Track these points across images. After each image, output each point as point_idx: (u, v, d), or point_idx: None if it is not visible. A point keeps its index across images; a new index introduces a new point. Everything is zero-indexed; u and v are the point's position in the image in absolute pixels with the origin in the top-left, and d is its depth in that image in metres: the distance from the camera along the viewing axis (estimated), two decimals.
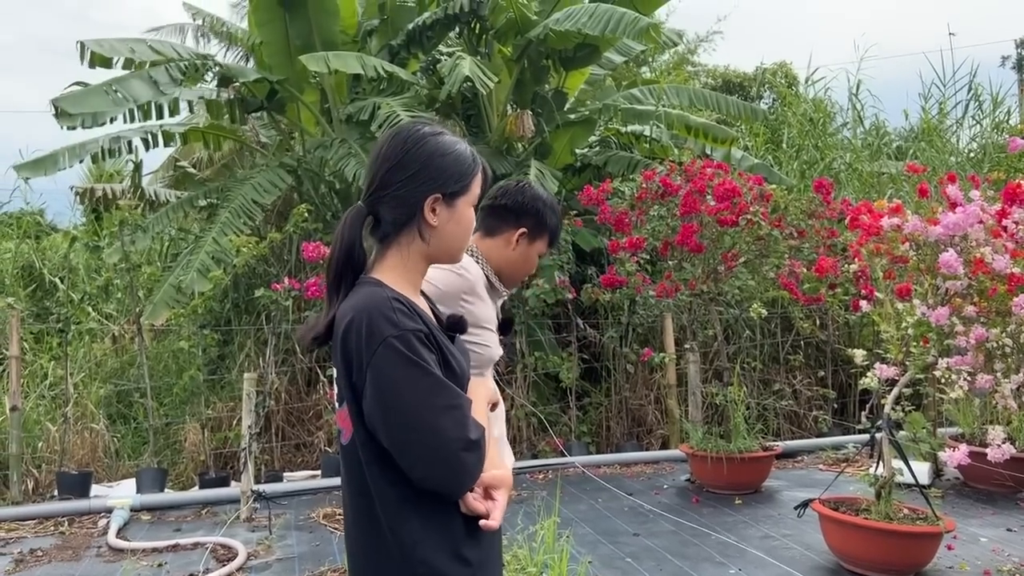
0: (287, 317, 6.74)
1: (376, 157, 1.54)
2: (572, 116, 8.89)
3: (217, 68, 7.79)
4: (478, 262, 2.26)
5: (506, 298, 2.38)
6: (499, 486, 1.48)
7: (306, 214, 6.93)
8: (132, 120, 7.60)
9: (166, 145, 8.60)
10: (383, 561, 1.44)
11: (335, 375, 1.56)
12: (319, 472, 6.41)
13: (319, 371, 7.09)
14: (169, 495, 5.86)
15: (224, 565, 4.34)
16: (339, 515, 5.24)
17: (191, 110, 8.92)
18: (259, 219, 7.81)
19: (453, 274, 2.08)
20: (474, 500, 1.43)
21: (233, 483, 6.02)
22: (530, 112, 7.84)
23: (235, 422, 6.65)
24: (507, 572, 3.83)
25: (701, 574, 4.20)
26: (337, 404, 1.50)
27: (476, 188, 1.58)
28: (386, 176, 1.51)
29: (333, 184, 8.42)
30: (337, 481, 6.01)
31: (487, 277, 2.25)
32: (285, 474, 6.42)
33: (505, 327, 2.28)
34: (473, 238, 2.31)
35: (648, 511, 5.39)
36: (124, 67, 7.60)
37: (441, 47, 9.08)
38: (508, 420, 7.08)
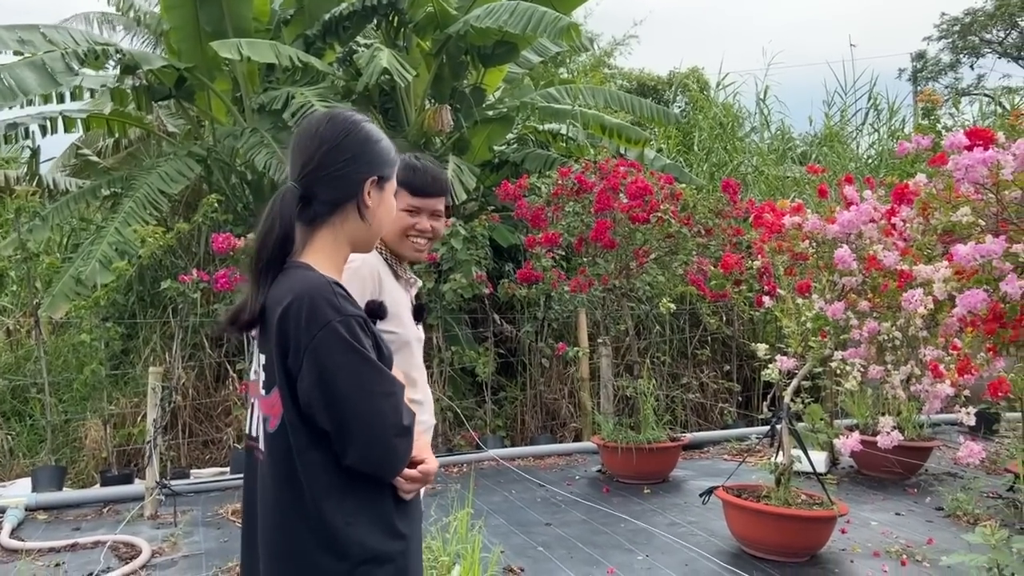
0: (195, 310, 6.57)
1: (310, 139, 1.55)
2: (490, 113, 8.94)
3: (119, 56, 7.49)
4: (380, 251, 2.23)
5: (419, 285, 2.35)
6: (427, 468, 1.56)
7: (216, 205, 6.78)
8: (30, 104, 7.25)
9: (67, 131, 8.26)
10: (316, 548, 1.43)
11: (257, 363, 1.54)
12: (227, 469, 6.27)
13: (228, 366, 6.93)
14: (68, 493, 5.62)
15: (126, 563, 4.21)
16: None
17: (92, 96, 8.58)
18: (166, 209, 7.58)
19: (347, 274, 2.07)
20: (406, 482, 1.50)
21: (137, 480, 5.82)
22: (448, 107, 7.85)
23: (139, 418, 6.44)
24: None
25: (611, 561, 4.30)
26: (263, 392, 1.48)
27: (395, 178, 1.66)
28: (324, 157, 1.52)
29: (244, 175, 8.25)
30: None
31: (387, 263, 2.23)
32: (192, 471, 6.25)
33: (417, 313, 2.25)
34: None
35: (560, 501, 5.48)
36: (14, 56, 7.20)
37: (359, 39, 8.99)
38: None
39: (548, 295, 7.21)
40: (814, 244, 4.59)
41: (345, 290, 1.46)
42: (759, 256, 5.27)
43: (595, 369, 7.37)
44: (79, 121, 8.31)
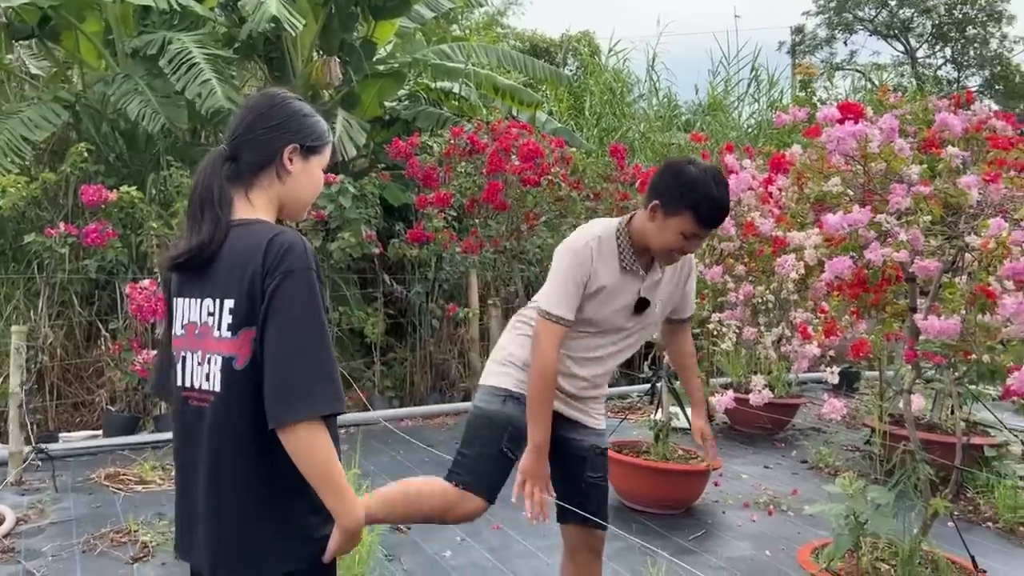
0: (63, 266, 6.19)
1: (244, 109, 1.77)
2: (381, 68, 8.75)
3: None
4: (618, 238, 2.48)
5: (656, 280, 2.54)
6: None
7: (85, 154, 6.39)
8: None
9: None
10: (283, 490, 1.60)
11: (199, 313, 1.66)
12: (100, 432, 5.99)
13: (100, 325, 6.58)
14: None
15: None
16: (123, 475, 4.95)
17: None
18: (29, 158, 7.07)
19: (577, 243, 2.48)
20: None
21: (0, 445, 5.49)
22: (337, 59, 7.62)
23: (1, 380, 6.05)
24: None
25: (497, 517, 4.38)
26: (228, 334, 1.61)
27: (327, 155, 1.82)
28: (251, 123, 1.73)
29: (117, 123, 7.77)
30: (122, 440, 5.67)
31: (620, 253, 2.47)
32: (61, 435, 5.94)
33: (636, 306, 2.51)
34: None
35: (448, 461, 5.50)
36: None
37: None
38: None
39: (439, 256, 7.19)
40: None
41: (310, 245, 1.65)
42: None
43: (485, 330, 7.42)
44: None
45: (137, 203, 6.22)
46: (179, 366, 1.70)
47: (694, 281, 2.75)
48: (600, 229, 2.51)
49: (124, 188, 6.17)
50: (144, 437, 5.77)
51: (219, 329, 1.62)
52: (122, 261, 6.18)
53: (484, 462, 2.61)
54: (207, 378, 1.63)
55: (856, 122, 2.89)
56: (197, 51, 6.66)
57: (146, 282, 5.77)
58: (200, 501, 1.64)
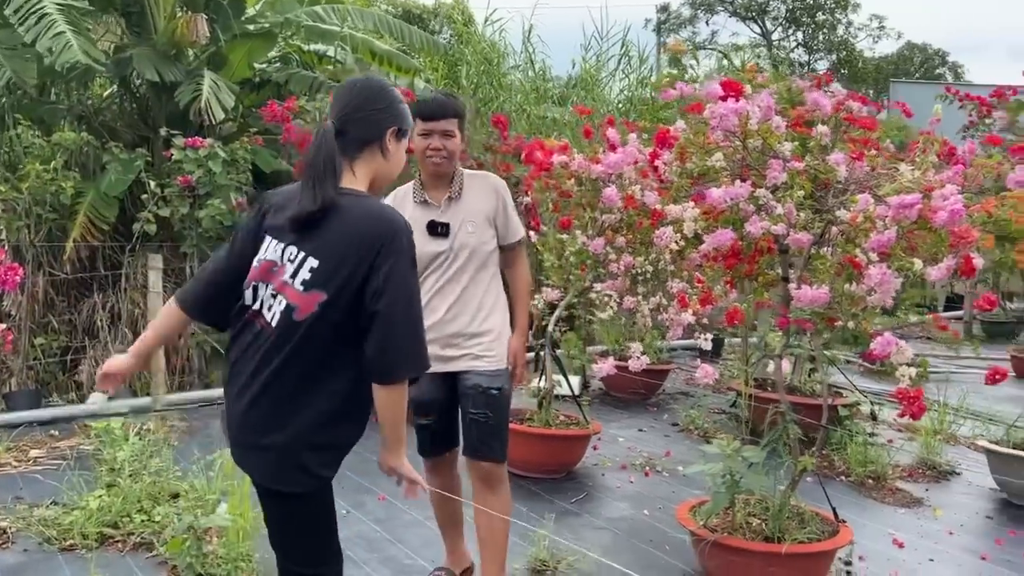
0: None
1: (349, 90, 2.06)
2: (251, 27, 8.35)
3: None
4: (414, 184, 3.02)
5: (447, 208, 2.97)
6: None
7: None
8: None
9: None
10: (327, 413, 2.00)
11: (279, 256, 1.93)
12: None
13: None
14: None
15: None
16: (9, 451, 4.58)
17: None
18: None
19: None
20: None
21: None
22: (204, 17, 7.21)
23: None
24: (184, 502, 3.67)
25: (381, 488, 4.36)
26: (300, 288, 1.88)
27: (408, 140, 2.14)
28: (362, 103, 2.02)
29: None
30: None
31: (413, 193, 3.01)
32: None
33: (429, 228, 2.90)
34: None
35: None
36: None
37: None
38: (177, 349, 6.63)
39: None
40: (579, 183, 4.83)
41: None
42: (527, 193, 5.46)
43: None
44: None
45: None
46: (249, 291, 1.98)
47: (512, 210, 3.10)
48: (407, 184, 3.05)
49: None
50: None
51: (292, 277, 1.90)
52: None
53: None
54: (269, 309, 1.93)
55: (737, 100, 3.02)
56: (48, 2, 6.13)
57: None
58: (254, 406, 1.93)
